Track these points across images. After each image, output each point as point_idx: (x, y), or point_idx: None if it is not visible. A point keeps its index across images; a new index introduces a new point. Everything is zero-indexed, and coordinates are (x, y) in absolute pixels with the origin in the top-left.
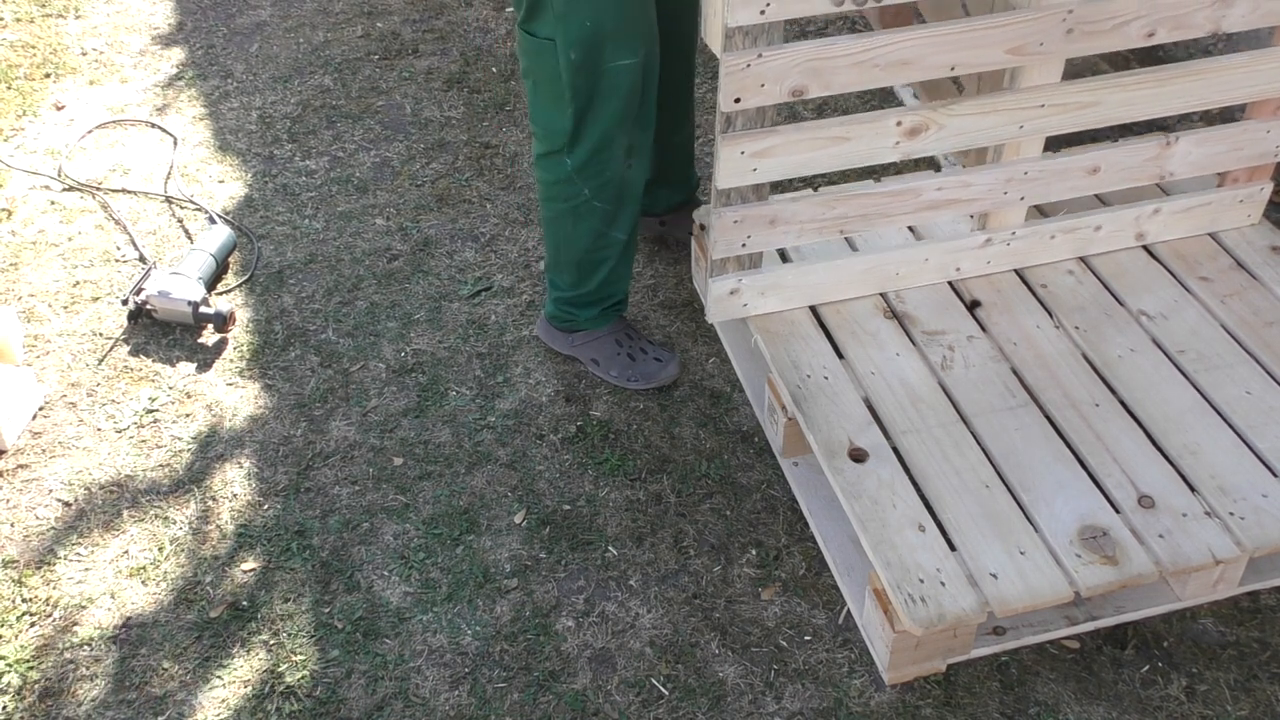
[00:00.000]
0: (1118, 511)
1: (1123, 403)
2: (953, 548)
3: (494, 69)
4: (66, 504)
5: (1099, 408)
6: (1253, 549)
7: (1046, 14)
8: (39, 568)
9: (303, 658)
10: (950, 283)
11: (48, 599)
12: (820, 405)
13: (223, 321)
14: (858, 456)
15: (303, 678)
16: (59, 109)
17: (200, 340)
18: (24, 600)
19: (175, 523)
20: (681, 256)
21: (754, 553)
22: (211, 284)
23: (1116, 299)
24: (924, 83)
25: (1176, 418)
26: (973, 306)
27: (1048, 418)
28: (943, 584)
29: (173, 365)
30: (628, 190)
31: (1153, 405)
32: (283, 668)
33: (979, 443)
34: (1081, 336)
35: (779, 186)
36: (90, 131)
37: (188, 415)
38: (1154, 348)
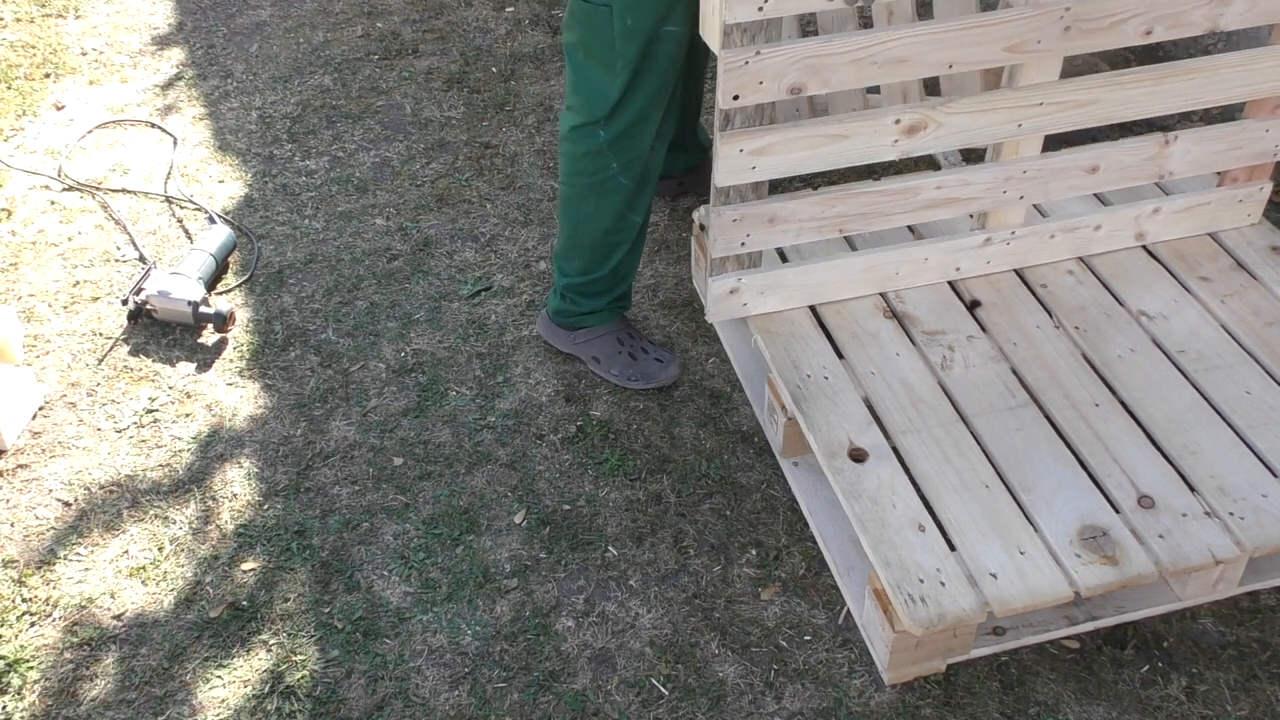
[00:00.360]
0: (1118, 511)
1: (1123, 403)
2: (952, 548)
3: (494, 69)
4: (66, 504)
5: (1099, 408)
6: (1252, 549)
7: (1045, 11)
8: (39, 568)
9: (303, 658)
10: (950, 282)
11: (48, 599)
12: (820, 405)
13: (223, 321)
14: (858, 456)
15: (303, 678)
16: (59, 109)
17: (200, 340)
18: (24, 600)
19: (175, 523)
20: (681, 256)
21: (754, 553)
22: (211, 284)
23: (1116, 299)
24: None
25: (1176, 418)
26: (973, 306)
27: (1048, 418)
28: (942, 584)
29: (173, 365)
30: (650, 171)
31: (1153, 405)
32: (283, 668)
33: (979, 443)
34: (1081, 336)
35: (778, 186)
36: (90, 131)
37: (188, 415)
38: (1154, 348)
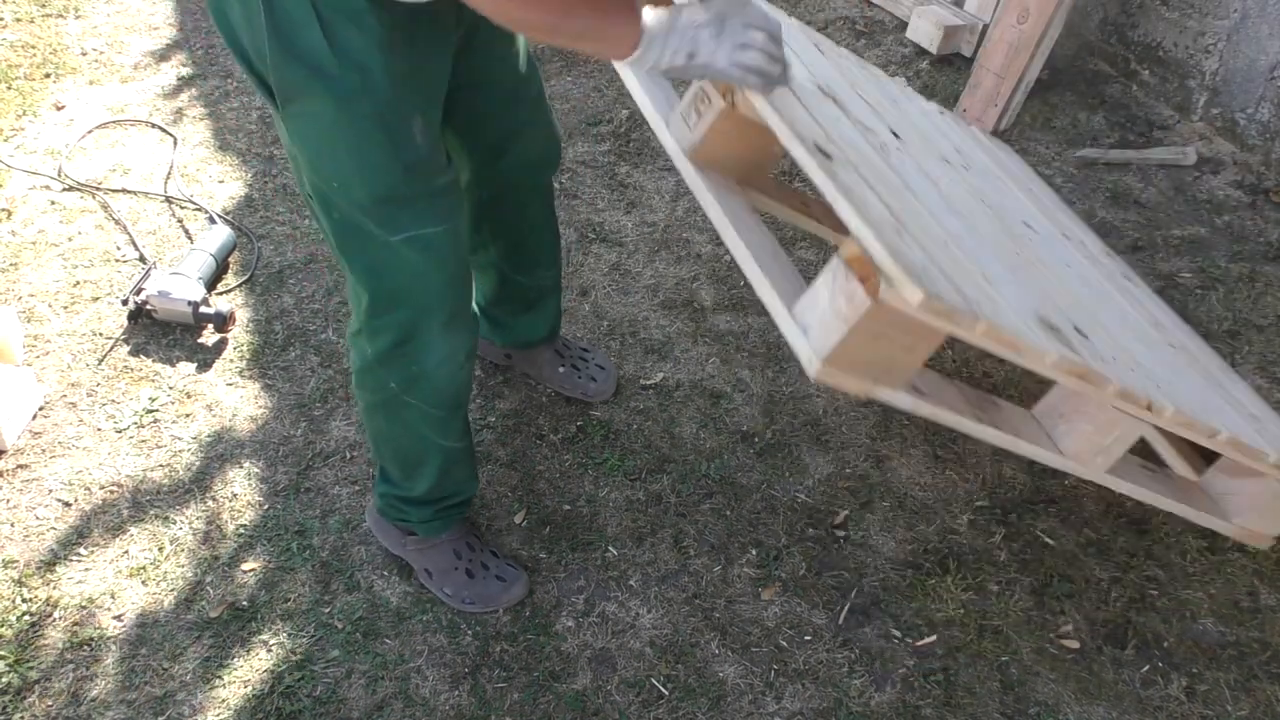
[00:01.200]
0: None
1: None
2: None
3: None
4: (66, 504)
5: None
6: (1173, 412)
7: None
8: (39, 568)
9: (303, 658)
10: None
11: (48, 599)
12: (789, 102)
13: (223, 321)
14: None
15: (303, 678)
16: (59, 109)
17: (200, 340)
18: (24, 600)
19: (175, 523)
20: (681, 256)
21: (754, 553)
22: (211, 284)
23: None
24: None
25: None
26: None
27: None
28: (936, 275)
29: (173, 365)
30: (453, 393)
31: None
32: (283, 668)
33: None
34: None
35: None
36: (90, 131)
37: (188, 415)
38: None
